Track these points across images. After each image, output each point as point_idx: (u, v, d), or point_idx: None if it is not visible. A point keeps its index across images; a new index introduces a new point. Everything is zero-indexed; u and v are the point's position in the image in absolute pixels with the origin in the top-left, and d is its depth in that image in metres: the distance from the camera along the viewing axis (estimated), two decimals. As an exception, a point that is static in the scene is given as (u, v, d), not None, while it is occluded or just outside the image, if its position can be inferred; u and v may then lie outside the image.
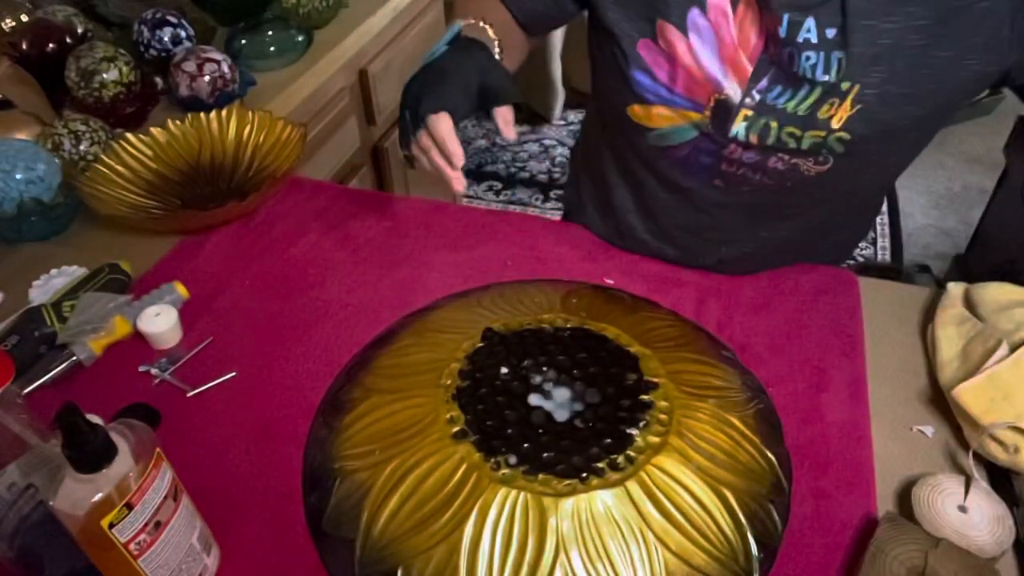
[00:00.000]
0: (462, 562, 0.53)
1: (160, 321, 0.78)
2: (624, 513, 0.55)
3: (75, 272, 0.87)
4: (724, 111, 0.68)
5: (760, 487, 0.59)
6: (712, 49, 0.66)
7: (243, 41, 1.41)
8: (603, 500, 0.55)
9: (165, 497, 0.52)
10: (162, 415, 0.71)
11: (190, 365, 0.77)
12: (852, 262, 2.22)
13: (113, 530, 0.49)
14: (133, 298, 0.82)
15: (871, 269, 2.15)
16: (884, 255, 2.25)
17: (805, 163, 0.68)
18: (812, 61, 0.63)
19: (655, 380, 0.63)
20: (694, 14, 0.66)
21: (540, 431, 0.60)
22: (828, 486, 0.62)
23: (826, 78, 0.63)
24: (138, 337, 0.79)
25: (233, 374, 0.75)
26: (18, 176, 0.93)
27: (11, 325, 0.78)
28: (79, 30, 1.27)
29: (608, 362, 0.65)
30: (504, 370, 0.65)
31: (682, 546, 0.54)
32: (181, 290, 0.83)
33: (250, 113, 1.06)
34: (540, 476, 0.56)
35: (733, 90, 0.67)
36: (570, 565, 0.53)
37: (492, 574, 0.53)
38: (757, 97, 0.67)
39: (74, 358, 0.75)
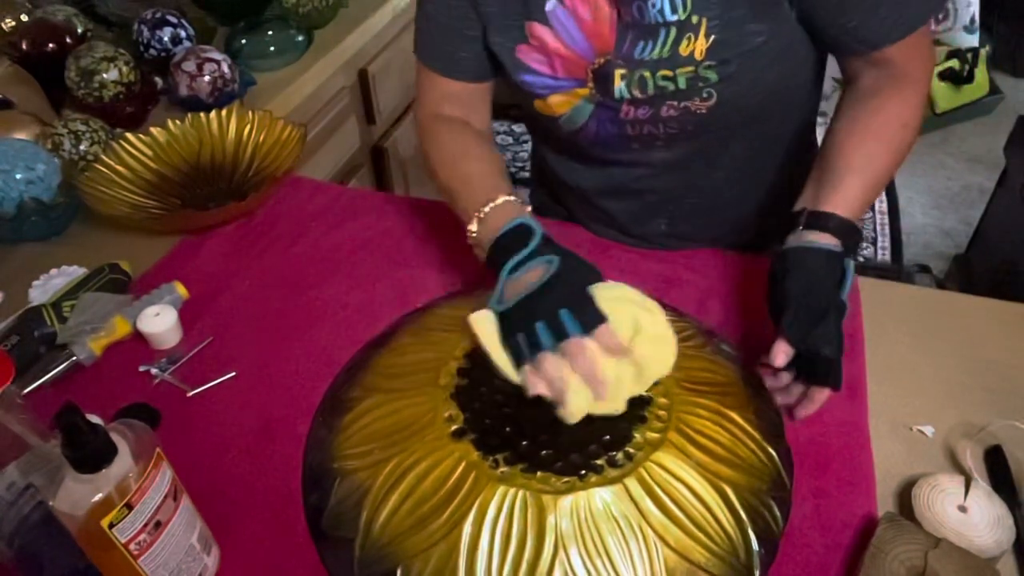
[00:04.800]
0: (461, 561, 0.53)
1: (160, 321, 0.78)
2: (623, 510, 0.55)
3: (75, 272, 0.87)
4: (603, 77, 0.74)
5: (761, 482, 0.59)
6: (575, 30, 0.73)
7: (243, 41, 1.41)
8: (602, 497, 0.55)
9: (165, 497, 0.52)
10: (162, 415, 0.71)
11: (190, 365, 0.77)
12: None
13: (113, 530, 0.49)
14: (133, 298, 0.82)
15: (871, 269, 2.15)
16: (884, 255, 2.25)
17: (693, 104, 0.74)
18: (658, 7, 0.69)
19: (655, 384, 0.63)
20: (551, 5, 0.73)
21: (538, 429, 0.59)
22: (828, 485, 0.62)
23: (675, 17, 0.69)
24: (138, 337, 0.79)
25: (233, 374, 0.75)
26: (18, 176, 0.93)
27: (11, 325, 0.78)
28: (79, 30, 1.27)
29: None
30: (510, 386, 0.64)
31: (682, 542, 0.54)
32: (181, 290, 0.83)
33: (250, 113, 1.06)
34: (538, 474, 0.56)
35: (604, 59, 0.73)
36: (569, 563, 0.53)
37: (491, 572, 0.53)
38: (626, 57, 0.73)
39: (74, 358, 0.75)
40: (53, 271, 0.88)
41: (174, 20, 1.29)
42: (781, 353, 0.63)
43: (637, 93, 0.73)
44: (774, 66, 0.74)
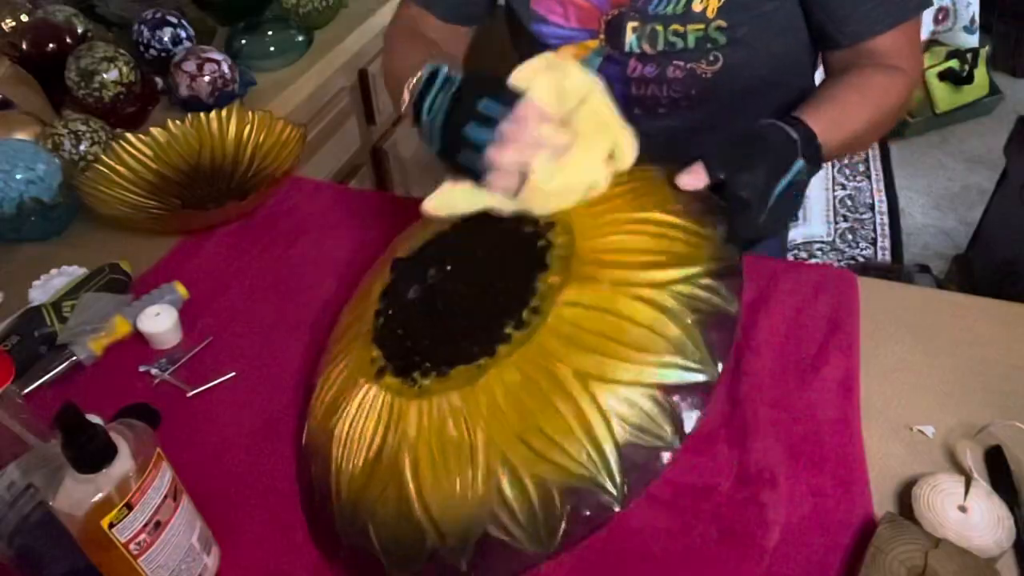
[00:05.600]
0: (411, 492, 0.51)
1: (160, 321, 0.78)
2: (545, 368, 0.50)
3: (75, 272, 0.87)
4: (615, 29, 0.76)
5: (696, 267, 0.53)
6: None
7: (243, 41, 1.41)
8: (518, 366, 0.51)
9: (165, 497, 0.52)
10: (162, 415, 0.71)
11: (190, 365, 0.77)
12: (852, 262, 2.22)
13: (113, 530, 0.49)
14: (133, 298, 0.82)
15: (871, 269, 2.15)
16: (884, 255, 2.25)
17: (699, 66, 0.75)
18: None
19: (551, 220, 0.59)
20: None
21: (449, 329, 0.57)
22: (825, 484, 0.62)
23: None
24: (138, 337, 0.79)
25: (233, 374, 0.75)
26: (18, 176, 0.93)
27: (11, 325, 0.78)
28: (79, 30, 1.27)
29: (506, 229, 0.62)
30: (412, 290, 0.63)
31: (617, 372, 0.49)
32: (181, 290, 0.83)
33: (250, 113, 1.06)
34: (451, 372, 0.53)
35: (618, 11, 0.76)
36: (505, 449, 0.49)
37: (443, 490, 0.50)
38: (640, 10, 0.74)
39: (74, 358, 0.75)
40: (53, 271, 0.88)
41: (174, 20, 1.29)
42: (688, 175, 0.58)
43: (647, 47, 0.75)
44: (780, 39, 0.76)
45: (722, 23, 0.72)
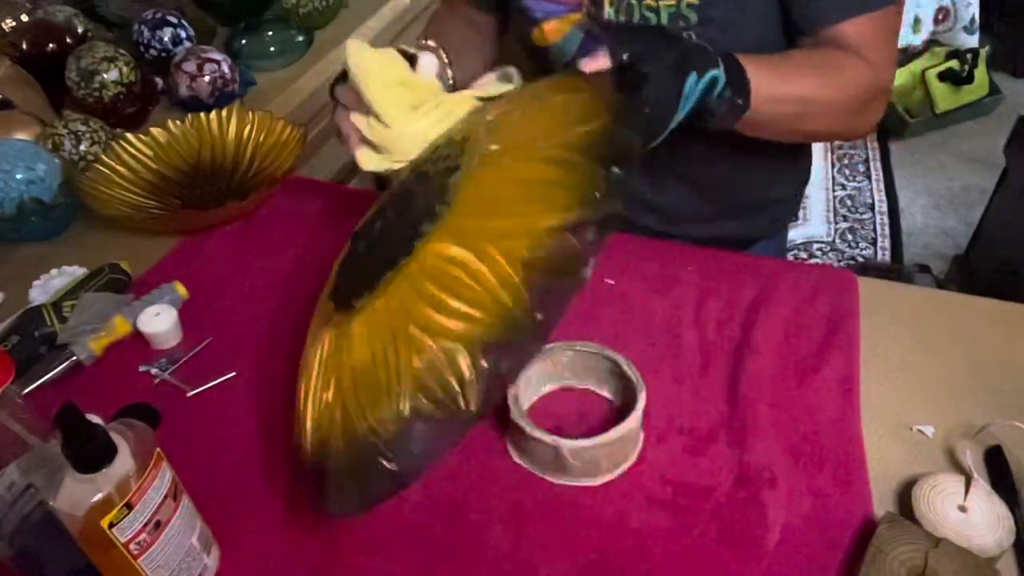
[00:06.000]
0: (352, 409, 0.52)
1: (160, 321, 0.78)
2: (459, 246, 0.52)
3: (75, 272, 0.87)
4: (595, 3, 0.80)
5: (596, 122, 0.55)
6: None
7: (243, 41, 1.41)
8: (432, 253, 0.53)
9: (165, 497, 0.52)
10: (162, 415, 0.71)
11: (190, 365, 0.77)
12: (852, 262, 2.22)
13: (113, 530, 0.49)
14: (133, 298, 0.82)
15: (871, 269, 2.15)
16: (884, 255, 2.25)
17: None
18: None
19: (460, 138, 0.62)
20: None
21: (378, 252, 0.59)
22: (825, 484, 0.62)
23: None
24: (138, 337, 0.79)
25: (233, 374, 0.75)
26: (18, 176, 0.93)
27: (11, 325, 0.78)
28: (79, 30, 1.28)
29: (437, 163, 0.64)
30: (362, 246, 0.65)
31: (529, 222, 0.51)
32: (181, 290, 0.83)
33: (250, 113, 1.06)
34: (379, 284, 0.55)
35: None
36: (419, 332, 0.51)
37: (375, 395, 0.51)
38: None
39: (74, 358, 0.75)
40: (53, 271, 0.88)
41: (174, 20, 1.29)
42: (591, 58, 0.60)
43: (623, 20, 0.78)
44: (754, 27, 0.76)
45: (693, 0, 0.73)
